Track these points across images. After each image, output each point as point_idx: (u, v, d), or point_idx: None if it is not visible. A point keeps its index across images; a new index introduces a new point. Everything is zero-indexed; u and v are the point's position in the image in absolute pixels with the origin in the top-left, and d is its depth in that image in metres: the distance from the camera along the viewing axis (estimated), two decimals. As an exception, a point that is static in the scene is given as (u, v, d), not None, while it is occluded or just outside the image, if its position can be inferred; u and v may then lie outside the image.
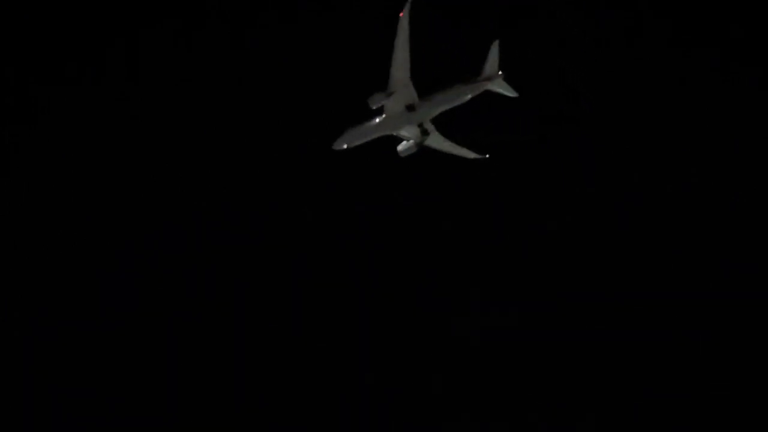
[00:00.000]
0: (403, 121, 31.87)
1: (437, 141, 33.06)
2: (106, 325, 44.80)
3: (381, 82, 29.95)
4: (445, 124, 33.02)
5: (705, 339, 42.20)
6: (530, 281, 44.29)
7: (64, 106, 45.91)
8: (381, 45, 29.32)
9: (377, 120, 31.66)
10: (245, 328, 45.00)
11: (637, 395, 42.47)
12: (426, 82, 31.37)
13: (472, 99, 31.58)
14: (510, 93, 31.80)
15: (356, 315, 44.27)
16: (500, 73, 31.08)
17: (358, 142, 32.59)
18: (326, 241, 43.80)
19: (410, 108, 31.39)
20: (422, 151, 32.90)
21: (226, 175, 44.08)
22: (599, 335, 43.21)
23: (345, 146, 32.44)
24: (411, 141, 32.59)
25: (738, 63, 41.75)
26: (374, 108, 30.92)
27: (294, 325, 44.70)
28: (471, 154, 34.63)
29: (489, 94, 31.59)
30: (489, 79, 31.02)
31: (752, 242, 43.40)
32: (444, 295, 44.69)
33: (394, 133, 32.55)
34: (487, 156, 35.03)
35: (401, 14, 28.27)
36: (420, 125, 32.31)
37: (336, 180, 39.92)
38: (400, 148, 33.16)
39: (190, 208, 44.84)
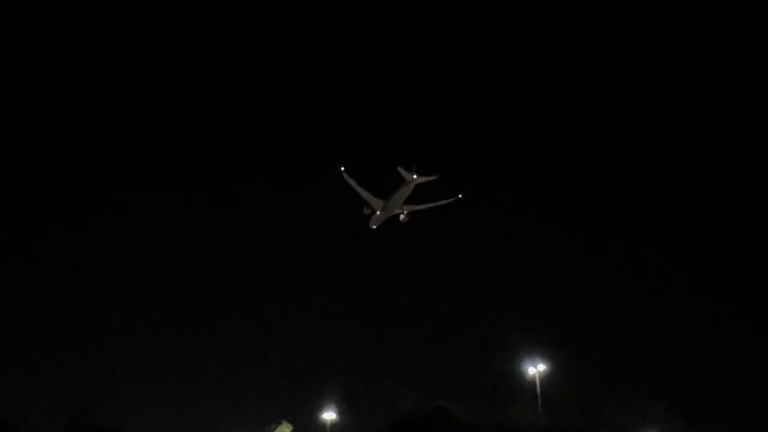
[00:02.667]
0: (388, 214, 50.44)
1: (418, 208, 50.93)
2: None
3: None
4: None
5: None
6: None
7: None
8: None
9: (378, 215, 50.44)
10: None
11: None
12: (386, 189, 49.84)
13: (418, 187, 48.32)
14: (433, 177, 47.34)
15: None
16: (414, 176, 46.94)
17: (378, 224, 51.61)
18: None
19: (395, 198, 49.43)
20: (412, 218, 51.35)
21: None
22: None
23: (374, 227, 51.74)
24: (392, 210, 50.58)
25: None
26: (374, 227, 51.53)
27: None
28: (447, 201, 50.95)
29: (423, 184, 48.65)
30: (411, 181, 47.07)
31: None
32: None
33: (390, 214, 50.75)
34: (460, 196, 50.95)
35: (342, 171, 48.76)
36: (400, 210, 50.44)
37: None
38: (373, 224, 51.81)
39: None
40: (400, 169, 46.39)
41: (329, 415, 74.80)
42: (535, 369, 46.25)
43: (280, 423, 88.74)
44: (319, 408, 77.21)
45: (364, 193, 48.96)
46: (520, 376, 47.69)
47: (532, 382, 46.08)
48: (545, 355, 47.88)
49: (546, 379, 46.43)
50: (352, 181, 48.43)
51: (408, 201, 49.30)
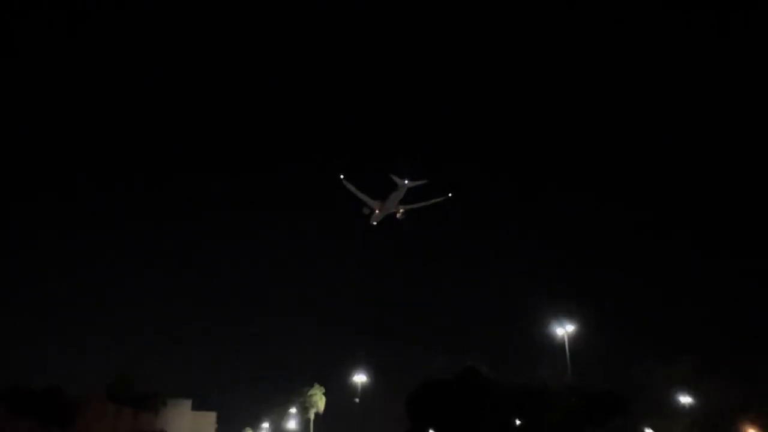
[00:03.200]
0: (386, 213, 55.31)
1: (413, 207, 55.72)
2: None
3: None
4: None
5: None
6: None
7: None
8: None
9: (377, 213, 55.20)
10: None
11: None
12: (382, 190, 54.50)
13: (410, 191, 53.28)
14: (422, 182, 52.58)
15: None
16: (405, 182, 51.55)
17: (377, 221, 56.22)
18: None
19: (391, 200, 54.26)
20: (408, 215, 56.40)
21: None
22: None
23: (374, 223, 56.39)
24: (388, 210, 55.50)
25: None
26: (375, 223, 56.18)
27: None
28: (439, 199, 55.44)
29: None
30: (402, 186, 51.65)
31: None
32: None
33: (387, 213, 55.58)
34: (450, 195, 55.43)
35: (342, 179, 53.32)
36: (396, 208, 55.16)
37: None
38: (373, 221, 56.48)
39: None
40: (393, 176, 51.44)
41: (360, 378, 76.19)
42: (564, 330, 46.35)
43: (312, 386, 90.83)
44: (350, 371, 78.68)
45: (363, 197, 54.47)
46: (549, 338, 47.91)
47: (561, 343, 46.24)
48: (574, 315, 47.97)
49: (574, 339, 46.54)
50: (351, 187, 53.82)
51: (402, 201, 54.37)
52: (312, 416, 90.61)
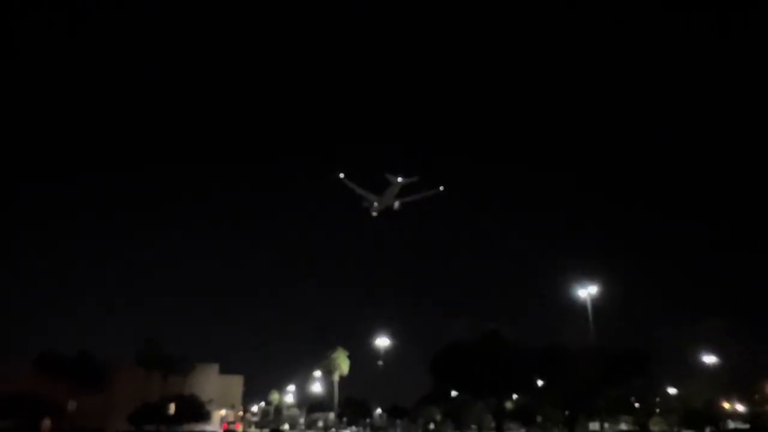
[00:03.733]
0: (385, 204, 59.72)
1: (408, 199, 59.89)
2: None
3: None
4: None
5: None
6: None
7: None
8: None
9: (376, 205, 60.01)
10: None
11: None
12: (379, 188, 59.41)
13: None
14: (413, 179, 57.12)
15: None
16: (399, 179, 56.52)
17: (377, 212, 60.98)
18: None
19: (388, 195, 58.87)
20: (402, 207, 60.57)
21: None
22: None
23: (375, 214, 61.02)
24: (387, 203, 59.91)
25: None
26: (375, 214, 60.68)
27: None
28: (430, 192, 59.55)
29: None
30: (396, 183, 56.81)
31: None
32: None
33: (385, 206, 59.98)
34: (441, 188, 59.64)
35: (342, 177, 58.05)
36: (393, 201, 59.36)
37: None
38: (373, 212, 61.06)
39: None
40: (387, 175, 56.66)
41: (383, 341, 77.04)
42: (586, 292, 46.11)
43: (335, 349, 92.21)
44: (373, 335, 79.60)
45: (363, 192, 59.13)
46: (571, 301, 47.77)
47: (583, 306, 46.07)
48: (597, 277, 47.67)
49: (598, 301, 46.32)
50: (351, 184, 58.50)
51: (398, 195, 58.92)
52: (336, 378, 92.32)
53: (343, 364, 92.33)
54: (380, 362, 78.31)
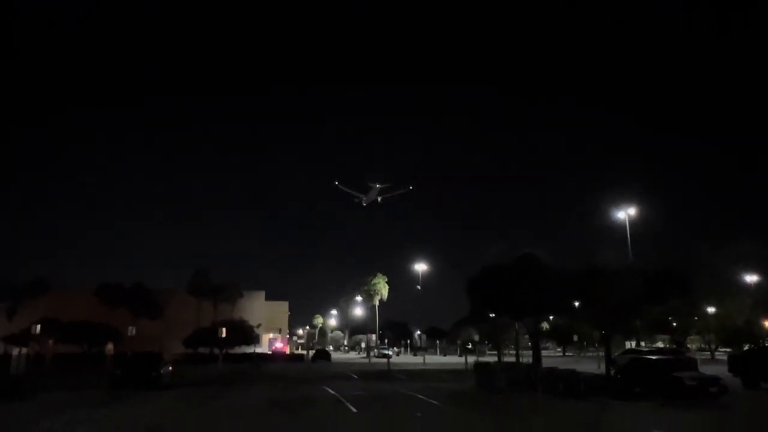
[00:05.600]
0: (370, 200, 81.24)
1: (388, 195, 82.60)
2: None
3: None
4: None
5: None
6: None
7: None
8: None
9: (364, 200, 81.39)
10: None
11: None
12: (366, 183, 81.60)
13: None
14: (386, 185, 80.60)
15: None
16: (377, 185, 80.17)
17: (369, 201, 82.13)
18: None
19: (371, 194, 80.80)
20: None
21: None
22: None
23: (365, 204, 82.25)
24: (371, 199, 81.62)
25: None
26: (365, 204, 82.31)
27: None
28: (403, 190, 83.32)
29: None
30: (375, 188, 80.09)
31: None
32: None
33: (371, 200, 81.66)
34: (411, 187, 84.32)
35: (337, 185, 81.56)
36: (376, 197, 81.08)
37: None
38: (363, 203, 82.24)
39: None
40: (369, 183, 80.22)
41: (421, 266, 78.05)
42: (625, 212, 45.27)
43: (375, 275, 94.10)
44: (410, 261, 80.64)
45: (353, 192, 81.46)
46: (609, 222, 47.07)
47: (621, 227, 45.39)
48: (635, 198, 46.65)
49: (636, 222, 45.53)
50: (344, 188, 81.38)
51: (379, 193, 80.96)
52: (376, 303, 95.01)
53: (382, 289, 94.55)
54: (418, 286, 79.88)
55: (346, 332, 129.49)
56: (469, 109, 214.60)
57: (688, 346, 66.18)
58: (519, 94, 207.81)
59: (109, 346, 51.92)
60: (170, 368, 30.42)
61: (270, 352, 79.34)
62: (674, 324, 61.55)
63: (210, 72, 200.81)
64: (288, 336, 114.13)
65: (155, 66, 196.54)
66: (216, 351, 57.85)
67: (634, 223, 44.99)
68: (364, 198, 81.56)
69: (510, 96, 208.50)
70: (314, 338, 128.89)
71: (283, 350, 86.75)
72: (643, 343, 65.21)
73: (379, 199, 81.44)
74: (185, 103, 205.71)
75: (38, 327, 42.28)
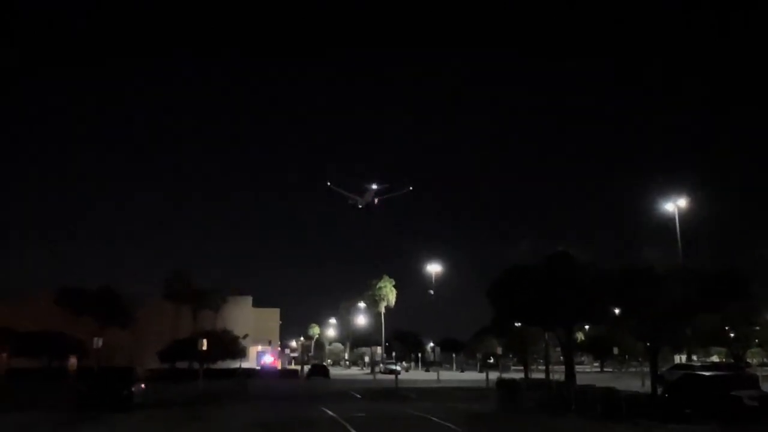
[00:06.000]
0: (366, 202, 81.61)
1: (385, 196, 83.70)
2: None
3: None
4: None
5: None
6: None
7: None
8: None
9: (359, 202, 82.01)
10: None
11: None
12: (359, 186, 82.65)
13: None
14: (385, 186, 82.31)
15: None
16: (373, 186, 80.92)
17: (361, 206, 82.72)
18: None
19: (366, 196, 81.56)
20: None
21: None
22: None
23: (360, 206, 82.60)
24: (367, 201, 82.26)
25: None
26: (360, 206, 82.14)
27: None
28: (402, 191, 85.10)
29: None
30: (370, 189, 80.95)
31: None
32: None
33: (365, 202, 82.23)
34: (411, 188, 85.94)
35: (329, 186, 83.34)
36: (372, 199, 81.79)
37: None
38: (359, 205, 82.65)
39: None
40: (365, 185, 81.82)
41: (434, 267, 77.99)
42: (674, 205, 45.04)
43: (381, 278, 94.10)
44: (423, 262, 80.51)
45: (346, 194, 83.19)
46: (655, 215, 46.87)
47: (669, 222, 45.20)
48: (687, 188, 46.39)
49: (685, 217, 45.32)
50: (338, 189, 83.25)
51: (375, 195, 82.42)
52: (382, 310, 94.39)
53: (389, 293, 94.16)
54: (431, 291, 79.69)
55: (347, 344, 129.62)
56: (487, 97, 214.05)
57: (748, 360, 65.93)
58: (548, 67, 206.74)
59: (73, 361, 52.26)
60: (143, 385, 30.55)
61: (258, 368, 79.67)
62: (732, 335, 61.28)
63: (191, 66, 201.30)
64: (279, 348, 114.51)
65: (141, 56, 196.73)
66: (196, 366, 58.14)
67: (684, 218, 44.77)
68: (359, 200, 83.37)
69: (540, 67, 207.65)
70: (310, 351, 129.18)
71: (274, 365, 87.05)
72: (695, 357, 64.98)
73: (376, 201, 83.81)
74: (170, 92, 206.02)
75: (-11, 338, 42.59)
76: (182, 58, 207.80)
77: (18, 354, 56.94)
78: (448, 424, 21.63)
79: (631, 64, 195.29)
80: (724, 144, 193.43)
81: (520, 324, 51.71)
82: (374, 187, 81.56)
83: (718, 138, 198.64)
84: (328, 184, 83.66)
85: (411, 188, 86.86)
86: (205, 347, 50.47)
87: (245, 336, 71.64)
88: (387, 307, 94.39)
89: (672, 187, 46.64)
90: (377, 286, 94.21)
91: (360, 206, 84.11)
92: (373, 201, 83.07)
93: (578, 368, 55.69)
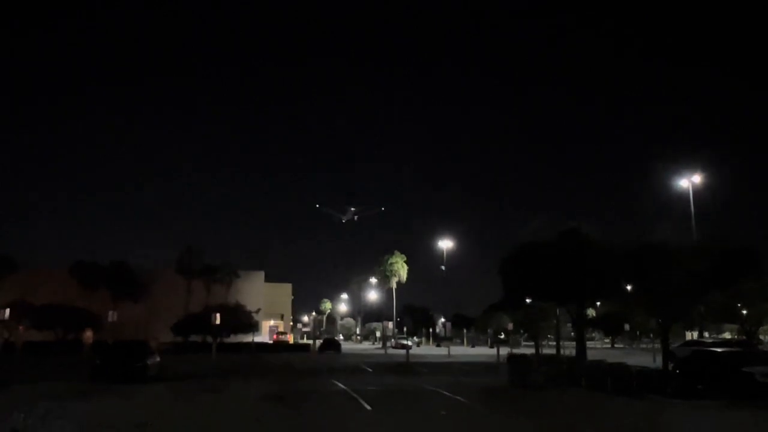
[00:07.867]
0: (348, 217, 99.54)
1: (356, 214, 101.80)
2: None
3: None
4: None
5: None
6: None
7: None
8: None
9: (344, 217, 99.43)
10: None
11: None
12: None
13: None
14: (362, 206, 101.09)
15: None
16: (353, 208, 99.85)
17: (347, 219, 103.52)
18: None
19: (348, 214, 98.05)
20: None
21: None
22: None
23: (344, 221, 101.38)
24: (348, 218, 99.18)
25: None
26: (344, 221, 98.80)
27: None
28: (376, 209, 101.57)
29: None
30: (351, 210, 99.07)
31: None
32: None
33: (348, 218, 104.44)
34: (382, 208, 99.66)
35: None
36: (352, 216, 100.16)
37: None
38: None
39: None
40: (347, 206, 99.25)
41: (445, 243, 78.09)
42: (689, 181, 44.72)
43: (392, 253, 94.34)
44: (432, 238, 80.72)
45: (332, 213, 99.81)
46: (668, 193, 46.57)
47: (683, 198, 44.91)
48: (701, 164, 46.00)
49: (701, 192, 45.00)
50: (325, 209, 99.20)
51: (354, 213, 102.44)
52: (394, 285, 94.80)
53: (401, 269, 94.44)
54: (443, 267, 79.93)
55: (359, 319, 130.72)
56: (500, 70, 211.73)
57: (761, 337, 65.73)
58: (563, 41, 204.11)
59: (88, 333, 53.04)
60: (158, 358, 31.00)
61: (271, 342, 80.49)
62: (744, 312, 61.08)
63: (199, 48, 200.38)
64: (291, 323, 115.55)
65: (148, 44, 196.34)
66: (209, 339, 58.85)
67: (698, 194, 44.44)
68: (342, 217, 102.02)
69: (557, 39, 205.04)
70: (321, 326, 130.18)
71: (287, 339, 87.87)
72: (707, 334, 64.97)
73: (355, 218, 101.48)
74: (177, 73, 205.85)
75: (7, 311, 43.25)
76: (213, 33, 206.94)
77: (34, 327, 57.84)
78: (459, 398, 21.84)
79: (648, 38, 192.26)
80: (740, 121, 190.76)
81: (531, 300, 51.81)
82: (353, 208, 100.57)
83: (734, 115, 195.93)
84: (317, 206, 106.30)
85: (382, 209, 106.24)
86: (218, 321, 51.09)
87: (258, 310, 72.23)
88: (398, 283, 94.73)
89: (687, 164, 46.32)
90: (389, 262, 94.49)
91: (343, 221, 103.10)
92: (353, 218, 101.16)
93: (589, 344, 55.85)
